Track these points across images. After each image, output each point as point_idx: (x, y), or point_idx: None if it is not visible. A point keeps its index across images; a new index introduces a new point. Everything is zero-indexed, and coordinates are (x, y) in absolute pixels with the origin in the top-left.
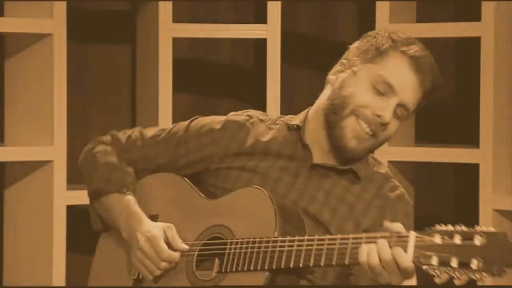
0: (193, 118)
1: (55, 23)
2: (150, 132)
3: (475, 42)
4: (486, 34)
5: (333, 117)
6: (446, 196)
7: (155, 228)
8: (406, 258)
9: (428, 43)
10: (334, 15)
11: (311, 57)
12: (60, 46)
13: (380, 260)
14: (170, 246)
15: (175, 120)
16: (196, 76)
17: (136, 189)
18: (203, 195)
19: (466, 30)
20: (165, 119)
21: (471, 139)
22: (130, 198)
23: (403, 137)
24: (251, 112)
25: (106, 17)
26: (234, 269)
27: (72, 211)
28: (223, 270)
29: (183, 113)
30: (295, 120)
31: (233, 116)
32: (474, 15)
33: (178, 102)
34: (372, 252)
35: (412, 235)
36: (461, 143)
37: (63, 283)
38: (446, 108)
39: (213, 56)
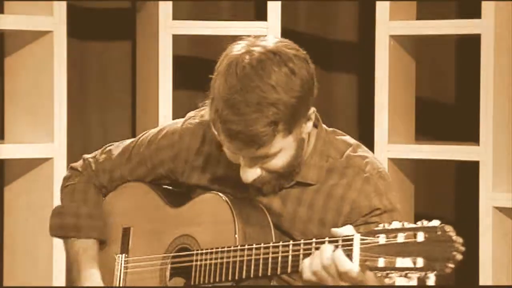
0: (154, 131)
1: (55, 21)
2: (117, 150)
3: (475, 40)
4: (486, 32)
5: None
6: (446, 194)
7: None
8: (347, 262)
9: (428, 40)
10: (334, 14)
11: (310, 54)
12: (60, 43)
13: (322, 265)
14: None
15: (175, 117)
16: (196, 73)
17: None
18: (168, 204)
19: (466, 28)
20: (165, 116)
21: (471, 136)
22: (82, 246)
23: (403, 134)
24: (205, 111)
25: (106, 14)
26: (202, 282)
27: None
28: (192, 283)
29: (183, 110)
30: None
31: (188, 121)
32: (474, 13)
33: (178, 99)
34: (314, 258)
35: (357, 238)
36: (461, 140)
37: (63, 281)
38: (446, 106)
39: (213, 53)
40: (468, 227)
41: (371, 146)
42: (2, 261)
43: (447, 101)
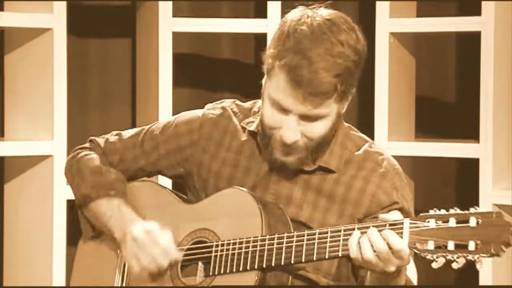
0: (169, 119)
1: (55, 18)
2: (128, 133)
3: (475, 37)
4: (486, 29)
5: (262, 136)
6: (446, 191)
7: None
8: (399, 240)
9: (429, 38)
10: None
11: None
12: (60, 40)
13: (372, 248)
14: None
15: (175, 115)
16: (197, 71)
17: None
18: (182, 200)
19: (466, 25)
20: (165, 114)
21: (471, 134)
22: (120, 201)
23: (403, 131)
24: (226, 103)
25: (106, 11)
26: (222, 272)
27: (72, 205)
28: (210, 274)
29: (183, 108)
30: (253, 123)
31: (208, 111)
32: (475, 10)
33: (178, 97)
34: (363, 241)
35: (406, 221)
36: (461, 137)
37: (63, 278)
38: (446, 103)
39: (214, 51)
40: None
41: None
42: (2, 258)
43: (447, 99)
